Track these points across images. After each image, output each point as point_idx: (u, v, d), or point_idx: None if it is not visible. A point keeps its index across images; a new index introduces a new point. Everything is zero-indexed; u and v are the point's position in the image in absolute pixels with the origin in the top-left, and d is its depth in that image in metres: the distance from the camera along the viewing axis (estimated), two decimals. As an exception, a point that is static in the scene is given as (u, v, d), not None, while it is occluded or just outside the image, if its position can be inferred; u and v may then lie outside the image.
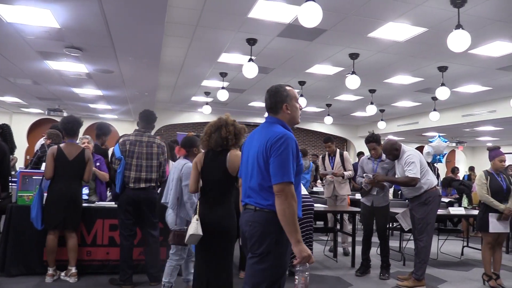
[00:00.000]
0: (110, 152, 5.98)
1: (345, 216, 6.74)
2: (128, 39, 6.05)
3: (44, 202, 4.40)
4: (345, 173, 6.52)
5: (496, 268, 5.06)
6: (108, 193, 5.73)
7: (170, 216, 3.95)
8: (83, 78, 8.88)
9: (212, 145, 3.40)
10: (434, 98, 10.08)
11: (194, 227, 3.24)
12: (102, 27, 5.49)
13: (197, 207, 3.40)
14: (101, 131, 6.05)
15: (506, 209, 4.89)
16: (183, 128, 15.30)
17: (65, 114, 12.58)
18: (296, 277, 2.25)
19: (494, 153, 5.12)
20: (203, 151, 3.60)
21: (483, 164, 5.31)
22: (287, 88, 2.53)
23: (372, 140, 5.33)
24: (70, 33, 5.86)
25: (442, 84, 7.67)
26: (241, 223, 2.50)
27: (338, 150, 6.80)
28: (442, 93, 7.66)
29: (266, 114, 8.41)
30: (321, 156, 7.02)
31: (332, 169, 6.60)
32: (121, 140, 4.47)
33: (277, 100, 2.49)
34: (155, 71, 8.00)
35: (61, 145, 4.52)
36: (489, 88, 9.19)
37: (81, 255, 4.67)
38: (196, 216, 3.31)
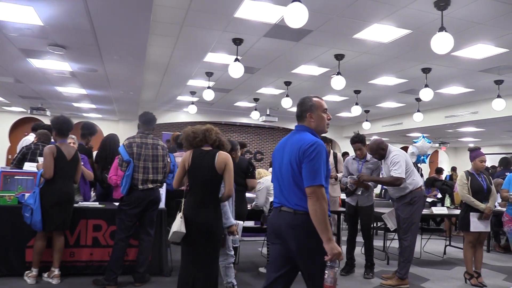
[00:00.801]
0: (94, 152, 5.94)
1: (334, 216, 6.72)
2: (113, 38, 6.00)
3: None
4: (338, 175, 6.48)
5: (478, 267, 5.15)
6: (92, 193, 5.66)
7: None
8: (67, 76, 8.77)
9: (200, 143, 3.44)
10: (418, 99, 10.21)
11: (178, 225, 3.28)
12: (86, 25, 5.43)
13: (182, 205, 3.41)
14: (88, 130, 6.01)
15: (486, 208, 4.98)
16: (169, 128, 15.21)
17: (48, 113, 12.40)
18: (326, 271, 2.42)
19: (475, 153, 5.20)
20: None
21: (465, 164, 5.41)
22: (314, 99, 2.72)
23: (358, 140, 5.38)
24: (53, 31, 5.78)
25: (426, 86, 7.78)
26: (278, 224, 2.61)
27: (331, 152, 6.76)
28: (426, 94, 7.77)
29: (251, 114, 8.53)
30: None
31: None
32: (126, 142, 4.47)
33: (302, 109, 2.72)
34: (140, 70, 7.94)
35: (57, 144, 4.46)
36: (471, 89, 9.34)
37: (64, 256, 4.60)
38: (180, 214, 3.33)
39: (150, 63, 8.02)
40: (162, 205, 5.03)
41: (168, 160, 5.93)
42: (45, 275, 4.40)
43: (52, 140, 4.95)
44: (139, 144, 4.45)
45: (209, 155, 3.42)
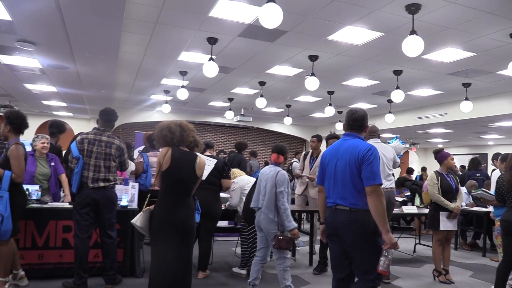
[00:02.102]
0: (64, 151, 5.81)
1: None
2: (85, 34, 5.88)
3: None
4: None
5: (446, 264, 5.30)
6: (62, 194, 5.53)
7: (264, 220, 4.12)
8: (36, 73, 8.55)
9: (178, 144, 3.40)
10: (390, 101, 10.42)
11: (136, 218, 3.34)
12: (57, 21, 5.31)
13: (147, 200, 3.41)
14: (57, 129, 5.88)
15: (455, 208, 5.12)
16: (142, 127, 15.02)
17: (16, 111, 12.04)
18: (382, 258, 2.81)
19: (445, 153, 5.37)
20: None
21: (434, 164, 5.58)
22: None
23: (333, 136, 5.48)
24: (22, 26, 5.63)
25: (397, 87, 7.94)
26: (335, 221, 2.96)
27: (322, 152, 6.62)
28: (397, 96, 7.94)
29: (226, 114, 8.48)
30: (303, 153, 6.75)
31: (310, 169, 6.31)
32: (78, 138, 4.30)
33: (366, 122, 3.13)
34: (112, 68, 7.82)
35: (19, 143, 4.21)
36: (440, 92, 9.60)
37: (32, 259, 4.48)
38: (144, 208, 3.37)
39: (123, 61, 7.90)
40: (134, 205, 4.97)
41: (141, 159, 5.86)
42: (9, 278, 4.23)
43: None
44: (91, 141, 4.28)
45: (189, 156, 3.41)
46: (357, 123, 3.11)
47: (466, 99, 8.65)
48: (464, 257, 6.91)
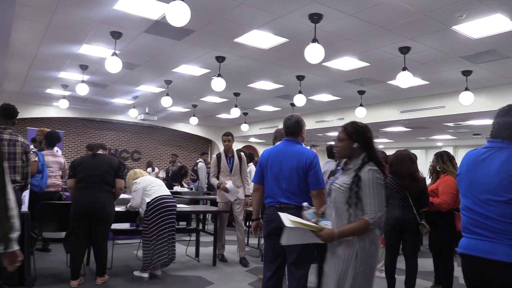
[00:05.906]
0: None
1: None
2: (-32, 19, 5.29)
3: None
4: (246, 191, 6.07)
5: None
6: None
7: None
8: None
9: None
10: (292, 104, 10.87)
11: None
12: None
13: None
14: None
15: None
16: (36, 123, 13.87)
17: None
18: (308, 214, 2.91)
19: None
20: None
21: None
22: (302, 118, 3.49)
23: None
24: None
25: (300, 92, 8.31)
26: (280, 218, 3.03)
27: (235, 150, 6.23)
28: (299, 100, 8.31)
29: (129, 112, 8.31)
30: (215, 155, 6.23)
31: (231, 171, 5.99)
32: None
33: (300, 127, 3.43)
34: (2, 57, 7.12)
35: None
36: (338, 98, 10.24)
37: None
38: None
39: (15, 50, 7.23)
40: (25, 208, 4.57)
41: (36, 158, 5.43)
42: None
43: None
44: None
45: None
46: (290, 130, 3.41)
47: (361, 105, 9.34)
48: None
